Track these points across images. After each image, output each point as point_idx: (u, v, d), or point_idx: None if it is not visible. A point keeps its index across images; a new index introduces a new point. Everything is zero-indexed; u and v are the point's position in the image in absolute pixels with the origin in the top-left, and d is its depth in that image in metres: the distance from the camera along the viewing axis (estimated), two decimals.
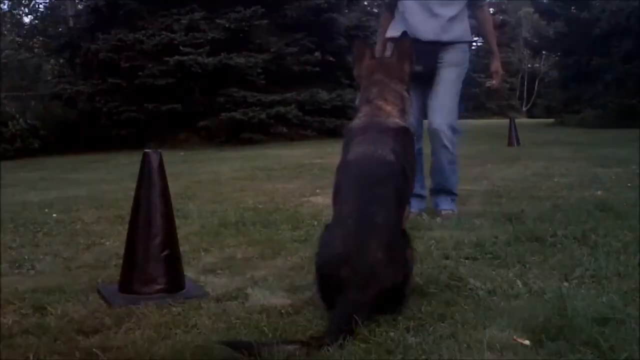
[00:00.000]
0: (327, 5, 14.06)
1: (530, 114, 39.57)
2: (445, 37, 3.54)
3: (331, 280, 1.91)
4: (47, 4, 28.01)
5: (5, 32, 26.80)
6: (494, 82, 3.98)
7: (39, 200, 5.09)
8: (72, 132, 13.41)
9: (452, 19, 3.54)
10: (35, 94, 17.37)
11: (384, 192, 2.05)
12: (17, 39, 27.68)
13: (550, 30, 23.81)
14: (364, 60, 2.41)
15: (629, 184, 4.84)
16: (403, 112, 2.30)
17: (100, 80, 12.94)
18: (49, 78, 19.52)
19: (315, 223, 3.49)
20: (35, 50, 25.19)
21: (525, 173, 5.81)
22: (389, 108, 2.26)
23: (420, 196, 3.67)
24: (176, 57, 12.19)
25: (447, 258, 2.66)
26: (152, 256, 2.29)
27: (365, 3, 31.90)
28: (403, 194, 2.14)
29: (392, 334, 1.79)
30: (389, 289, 1.89)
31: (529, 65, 45.63)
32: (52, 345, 1.79)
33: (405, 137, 2.22)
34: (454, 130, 3.60)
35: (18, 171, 8.69)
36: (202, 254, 2.90)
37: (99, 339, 1.84)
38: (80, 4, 16.74)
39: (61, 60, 17.26)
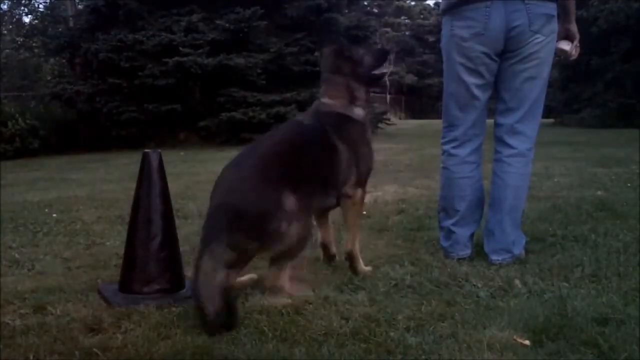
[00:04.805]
0: (327, 5, 14.04)
1: None
2: None
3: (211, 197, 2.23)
4: (47, 4, 27.99)
5: (5, 32, 26.79)
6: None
7: (39, 200, 5.08)
8: (72, 132, 13.39)
9: None
10: (35, 94, 17.35)
11: (279, 137, 2.37)
12: (17, 39, 27.67)
13: None
14: None
15: (628, 184, 4.84)
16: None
17: (100, 80, 12.91)
18: (49, 78, 19.49)
19: (315, 223, 3.48)
20: (35, 50, 25.17)
21: None
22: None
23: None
24: (176, 58, 12.17)
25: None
26: (152, 256, 2.29)
27: (365, 3, 31.91)
28: (315, 158, 2.32)
29: (392, 334, 1.79)
30: (247, 210, 2.07)
31: None
32: (52, 345, 1.80)
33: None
34: None
35: (18, 171, 8.69)
36: None
37: (99, 339, 1.84)
38: (80, 4, 16.67)
39: (62, 61, 17.24)
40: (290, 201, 2.13)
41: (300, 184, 2.19)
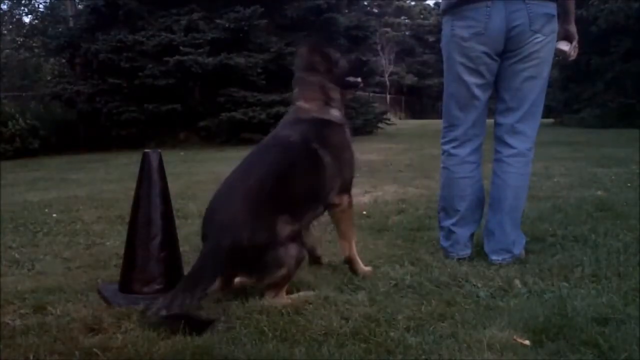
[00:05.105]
0: (327, 5, 14.04)
1: None
2: None
3: (202, 230, 2.22)
4: (47, 4, 28.00)
5: (5, 32, 26.79)
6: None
7: (39, 200, 5.09)
8: (72, 132, 13.40)
9: None
10: (35, 94, 17.36)
11: (268, 161, 2.26)
12: (17, 39, 27.67)
13: None
14: None
15: (628, 184, 4.84)
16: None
17: (100, 80, 12.92)
18: (49, 78, 19.50)
19: (315, 223, 3.49)
20: (35, 50, 25.18)
21: None
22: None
23: None
24: (176, 57, 12.17)
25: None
26: (152, 256, 2.29)
27: (365, 3, 31.89)
28: (302, 172, 2.27)
29: (392, 334, 1.79)
30: (245, 247, 2.05)
31: None
32: (52, 345, 1.80)
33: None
34: None
35: (18, 171, 8.69)
36: None
37: (99, 339, 1.84)
38: (80, 4, 16.67)
39: (62, 61, 17.25)
40: (284, 227, 2.13)
41: (291, 205, 2.19)
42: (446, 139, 2.75)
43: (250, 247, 2.07)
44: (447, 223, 2.73)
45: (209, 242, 2.13)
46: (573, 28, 2.69)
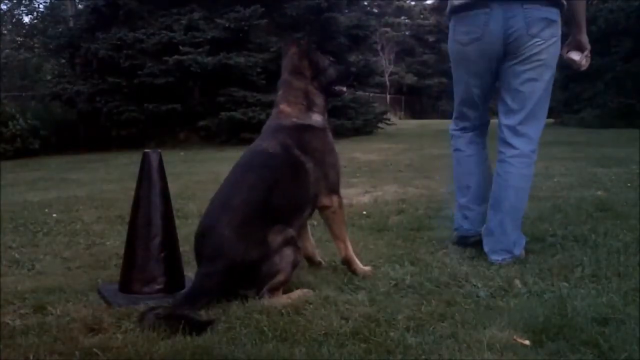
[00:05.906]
0: (327, 5, 14.04)
1: None
2: None
3: (196, 254, 2.26)
4: (47, 4, 28.02)
5: (5, 32, 26.79)
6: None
7: (39, 200, 5.09)
8: (72, 132, 13.41)
9: None
10: (35, 94, 17.36)
11: (252, 178, 2.29)
12: (17, 39, 27.68)
13: None
14: None
15: (628, 184, 4.84)
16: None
17: (100, 80, 12.92)
18: (49, 78, 19.49)
19: (315, 223, 3.49)
20: (35, 50, 25.18)
21: None
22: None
23: None
24: (176, 56, 12.18)
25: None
26: (152, 256, 2.29)
27: (365, 3, 31.88)
28: (285, 182, 2.30)
29: (392, 334, 1.79)
30: (239, 263, 2.10)
31: None
32: (52, 345, 1.80)
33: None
34: None
35: (18, 171, 8.69)
36: None
37: (99, 339, 1.84)
38: (81, 4, 16.69)
39: (61, 61, 17.25)
40: (276, 236, 2.16)
41: (279, 215, 2.22)
42: (455, 127, 2.95)
43: (246, 264, 2.11)
44: (463, 201, 2.87)
45: (204, 265, 2.16)
46: (585, 38, 2.75)
